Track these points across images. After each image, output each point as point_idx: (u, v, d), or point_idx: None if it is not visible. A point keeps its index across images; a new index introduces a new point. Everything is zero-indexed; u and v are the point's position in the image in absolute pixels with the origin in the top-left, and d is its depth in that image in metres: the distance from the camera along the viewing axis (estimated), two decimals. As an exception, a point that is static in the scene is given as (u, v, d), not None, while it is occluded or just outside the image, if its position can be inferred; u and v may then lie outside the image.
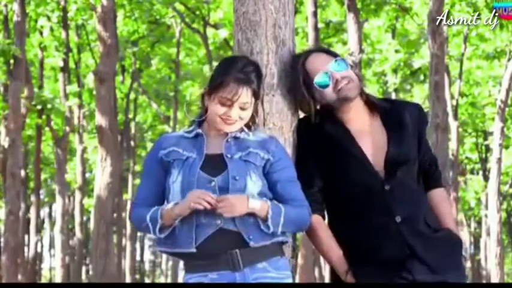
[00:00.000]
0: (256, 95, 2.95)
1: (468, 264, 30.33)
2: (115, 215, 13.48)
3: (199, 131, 2.97)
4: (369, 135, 3.09)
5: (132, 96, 23.02)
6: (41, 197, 27.60)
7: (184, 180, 2.85)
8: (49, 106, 17.72)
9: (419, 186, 3.10)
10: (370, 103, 3.14)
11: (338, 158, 3.06)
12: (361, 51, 13.16)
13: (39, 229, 24.03)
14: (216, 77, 2.93)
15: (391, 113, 3.12)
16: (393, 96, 21.47)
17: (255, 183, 2.86)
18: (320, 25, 17.45)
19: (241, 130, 2.97)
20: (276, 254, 2.86)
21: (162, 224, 2.83)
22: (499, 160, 15.58)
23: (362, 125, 3.12)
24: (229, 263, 2.79)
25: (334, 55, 3.14)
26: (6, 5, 16.10)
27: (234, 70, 2.90)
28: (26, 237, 25.85)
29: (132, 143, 25.00)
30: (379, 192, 3.00)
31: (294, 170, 2.98)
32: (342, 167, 3.05)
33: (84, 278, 28.39)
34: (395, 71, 19.27)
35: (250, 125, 3.01)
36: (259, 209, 2.79)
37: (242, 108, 2.91)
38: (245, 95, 2.89)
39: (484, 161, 25.83)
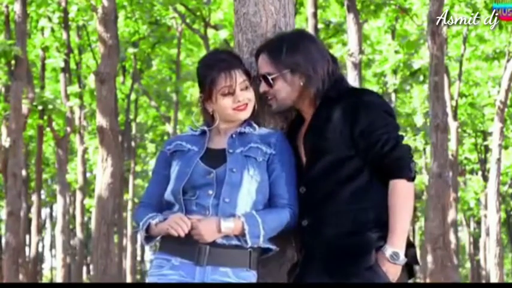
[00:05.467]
0: (247, 73, 3.01)
1: (468, 264, 30.36)
2: (116, 215, 13.49)
3: (205, 128, 3.04)
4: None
5: (132, 96, 23.04)
6: (42, 197, 27.63)
7: (180, 170, 2.93)
8: (50, 107, 17.73)
9: (350, 186, 2.90)
10: (325, 97, 2.99)
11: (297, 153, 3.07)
12: (361, 52, 13.20)
13: (40, 229, 24.02)
14: (204, 79, 2.98)
15: (328, 105, 2.95)
16: (393, 97, 21.53)
17: (252, 177, 2.90)
18: (320, 26, 17.50)
19: (247, 125, 3.02)
20: (243, 265, 2.88)
21: (147, 236, 2.94)
22: (499, 160, 15.60)
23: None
24: (195, 256, 2.84)
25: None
26: (7, 6, 16.13)
27: (214, 63, 2.97)
28: (27, 237, 25.89)
29: (132, 143, 25.02)
30: (299, 194, 2.97)
31: (290, 166, 2.99)
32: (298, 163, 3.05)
33: (85, 278, 28.41)
34: (395, 71, 19.29)
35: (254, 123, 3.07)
36: (234, 229, 2.82)
37: (244, 89, 2.97)
38: (239, 75, 2.96)
39: (483, 161, 25.85)
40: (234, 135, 2.99)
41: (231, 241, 2.85)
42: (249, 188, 2.89)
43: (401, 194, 2.86)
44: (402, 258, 2.83)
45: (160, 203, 3.01)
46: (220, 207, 2.85)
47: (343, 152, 2.90)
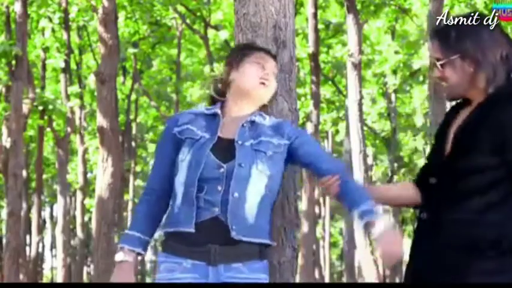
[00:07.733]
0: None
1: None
2: (116, 215, 13.50)
3: (218, 111, 2.99)
4: None
5: (133, 97, 23.05)
6: (43, 197, 27.64)
7: (192, 160, 2.87)
8: (51, 107, 17.73)
9: (480, 197, 2.73)
10: (493, 94, 2.81)
11: None
12: (361, 52, 13.22)
13: (40, 229, 24.04)
14: (239, 49, 3.08)
15: (489, 105, 2.78)
16: (393, 97, 21.53)
17: (261, 172, 2.86)
18: (320, 26, 17.51)
19: (258, 114, 3.01)
20: (253, 257, 2.86)
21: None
22: (498, 160, 15.59)
23: None
24: (206, 256, 2.81)
25: None
26: (7, 6, 16.14)
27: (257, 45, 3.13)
28: (28, 237, 25.89)
29: (133, 143, 25.04)
30: (428, 184, 2.92)
31: (319, 146, 3.04)
32: None
33: (85, 278, 28.41)
34: (395, 72, 19.31)
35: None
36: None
37: (271, 73, 3.02)
38: (272, 63, 3.04)
39: (483, 161, 25.80)
40: (245, 124, 2.95)
41: (241, 237, 2.83)
42: (257, 183, 2.85)
43: None
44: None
45: (164, 188, 2.97)
46: (230, 204, 2.81)
47: (485, 160, 2.69)
